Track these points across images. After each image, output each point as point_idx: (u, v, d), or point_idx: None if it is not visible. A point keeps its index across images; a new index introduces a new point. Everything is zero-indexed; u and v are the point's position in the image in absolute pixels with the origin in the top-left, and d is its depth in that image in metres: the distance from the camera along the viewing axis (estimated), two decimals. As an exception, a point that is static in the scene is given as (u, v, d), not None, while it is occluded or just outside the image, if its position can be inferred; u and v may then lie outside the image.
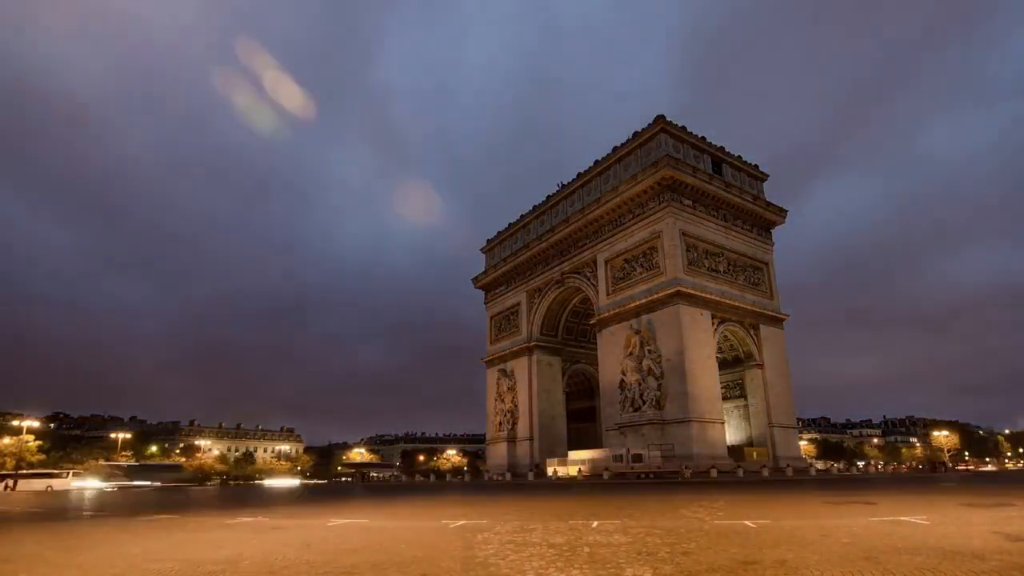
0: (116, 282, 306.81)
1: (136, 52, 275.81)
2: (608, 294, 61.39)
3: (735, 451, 54.40)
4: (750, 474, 47.10)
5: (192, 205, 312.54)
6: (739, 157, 64.78)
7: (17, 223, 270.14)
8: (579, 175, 69.40)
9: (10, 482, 52.61)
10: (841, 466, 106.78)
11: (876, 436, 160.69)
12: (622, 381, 56.64)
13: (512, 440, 74.17)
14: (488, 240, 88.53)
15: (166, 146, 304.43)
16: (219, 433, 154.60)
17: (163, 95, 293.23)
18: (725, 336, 57.93)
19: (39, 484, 52.76)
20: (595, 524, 11.96)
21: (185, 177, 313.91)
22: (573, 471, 55.23)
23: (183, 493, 43.61)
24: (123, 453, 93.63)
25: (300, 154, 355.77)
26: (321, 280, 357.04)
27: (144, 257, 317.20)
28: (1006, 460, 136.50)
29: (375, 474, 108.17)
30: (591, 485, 38.82)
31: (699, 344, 53.23)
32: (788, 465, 54.39)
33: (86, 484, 56.54)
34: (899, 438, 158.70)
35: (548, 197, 75.07)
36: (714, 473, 44.52)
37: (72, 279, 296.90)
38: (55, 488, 52.10)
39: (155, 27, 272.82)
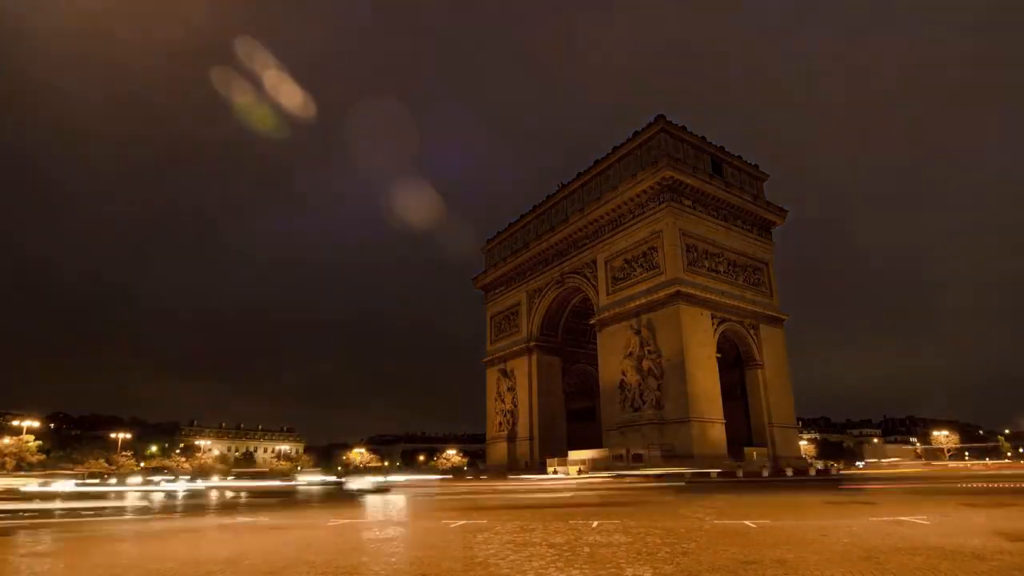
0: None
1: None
2: (608, 294, 61.30)
3: (735, 451, 54.31)
4: (750, 474, 47.04)
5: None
6: (739, 157, 64.66)
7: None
8: (579, 175, 69.24)
9: None
10: (840, 465, 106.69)
11: (876, 436, 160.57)
12: (622, 381, 56.57)
13: (512, 440, 74.10)
14: (488, 240, 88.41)
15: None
16: (219, 433, 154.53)
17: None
18: (725, 336, 57.87)
19: None
20: (595, 524, 11.96)
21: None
22: (573, 471, 55.14)
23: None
24: (123, 453, 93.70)
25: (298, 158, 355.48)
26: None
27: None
28: (1006, 459, 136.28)
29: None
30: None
31: (699, 344, 53.16)
32: (788, 465, 54.34)
33: None
34: (899, 438, 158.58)
35: (548, 197, 74.91)
36: (714, 473, 44.49)
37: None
38: None
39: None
